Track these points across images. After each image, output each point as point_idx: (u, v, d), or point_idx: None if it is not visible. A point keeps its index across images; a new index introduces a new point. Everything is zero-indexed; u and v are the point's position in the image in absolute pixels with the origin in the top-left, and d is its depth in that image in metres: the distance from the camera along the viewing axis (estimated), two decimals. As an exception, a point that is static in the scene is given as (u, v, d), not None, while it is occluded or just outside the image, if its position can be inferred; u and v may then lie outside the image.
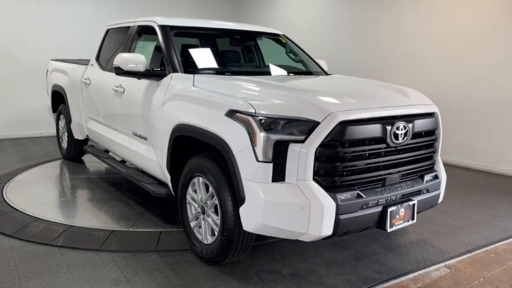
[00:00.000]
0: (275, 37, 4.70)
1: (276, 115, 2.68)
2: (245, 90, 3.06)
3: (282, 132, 2.65)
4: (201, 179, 3.18)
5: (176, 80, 3.54)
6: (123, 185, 5.10)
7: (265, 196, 2.64)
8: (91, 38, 8.55)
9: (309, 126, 2.64)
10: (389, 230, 2.88)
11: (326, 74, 4.44)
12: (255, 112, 2.70)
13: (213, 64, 4.07)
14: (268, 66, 4.30)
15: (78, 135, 5.78)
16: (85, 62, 5.75)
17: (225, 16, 10.53)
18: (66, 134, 6.16)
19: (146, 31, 4.38)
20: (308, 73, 4.34)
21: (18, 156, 6.72)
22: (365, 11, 7.61)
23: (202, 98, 3.14)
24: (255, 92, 3.02)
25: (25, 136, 8.41)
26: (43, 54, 8.17)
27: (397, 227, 2.94)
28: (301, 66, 4.54)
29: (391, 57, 7.28)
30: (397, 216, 2.92)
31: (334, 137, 2.64)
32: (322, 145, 2.62)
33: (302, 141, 2.62)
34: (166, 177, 3.64)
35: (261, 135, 2.63)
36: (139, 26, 4.42)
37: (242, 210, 2.77)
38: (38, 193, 4.71)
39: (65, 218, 3.98)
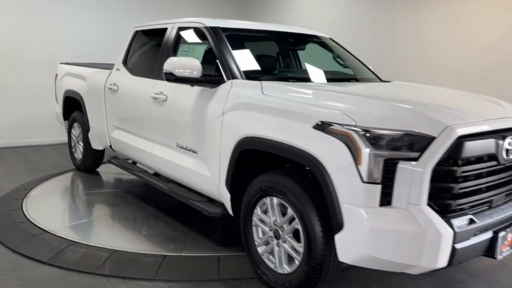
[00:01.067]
0: (320, 41, 4.36)
1: (383, 128, 2.33)
2: (333, 99, 2.71)
3: (391, 148, 2.31)
4: (275, 199, 2.81)
5: (239, 88, 3.17)
6: (152, 199, 4.68)
7: (371, 223, 2.29)
8: (95, 41, 8.21)
9: (423, 142, 2.30)
10: (498, 257, 2.56)
11: (382, 80, 4.13)
12: (356, 125, 2.35)
13: (272, 69, 3.70)
14: (324, 71, 3.96)
15: (97, 145, 5.33)
16: (104, 66, 5.33)
17: (230, 18, 10.18)
18: (81, 143, 5.69)
19: (189, 34, 3.99)
20: (366, 79, 4.01)
21: (24, 167, 6.22)
22: (388, 15, 7.35)
23: (279, 108, 2.77)
24: (346, 102, 2.67)
25: (25, 144, 7.88)
26: (44, 57, 7.70)
27: (505, 254, 2.62)
28: (352, 71, 4.21)
29: (412, 63, 7.01)
30: (505, 242, 2.61)
31: (451, 154, 2.31)
32: (437, 163, 2.28)
33: (415, 159, 2.29)
34: (223, 195, 3.25)
35: (367, 152, 2.28)
36: (180, 28, 4.03)
37: (338, 238, 2.41)
38: (63, 211, 4.26)
39: (105, 240, 3.55)
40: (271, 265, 2.90)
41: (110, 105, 4.80)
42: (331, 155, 2.41)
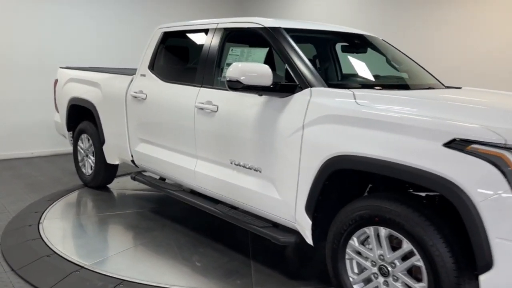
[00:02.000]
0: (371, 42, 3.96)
1: (544, 148, 1.95)
2: (457, 111, 2.31)
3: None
4: (383, 230, 2.38)
5: (323, 97, 2.72)
6: (189, 221, 4.18)
7: (534, 261, 1.90)
8: (91, 43, 7.57)
9: None
10: None
11: (447, 86, 3.76)
12: (507, 144, 1.96)
13: (350, 75, 3.26)
14: (391, 77, 3.56)
15: (114, 159, 4.77)
16: (119, 71, 4.77)
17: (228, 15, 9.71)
18: (91, 157, 5.10)
19: (241, 35, 3.53)
20: (434, 86, 3.62)
21: (22, 183, 5.57)
22: (398, 16, 7.05)
23: (388, 121, 2.34)
24: (475, 113, 2.27)
25: (15, 156, 7.16)
26: (32, 60, 7.04)
27: None
28: (408, 76, 3.81)
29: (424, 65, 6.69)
30: None
31: None
32: None
33: None
34: (300, 222, 2.80)
35: (528, 177, 1.89)
36: (227, 30, 3.55)
37: (486, 279, 2.01)
38: (92, 241, 3.69)
39: (155, 276, 3.02)
40: (374, 307, 2.47)
41: (134, 116, 4.25)
42: (476, 180, 2.00)
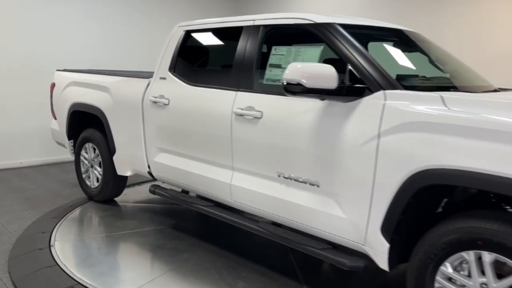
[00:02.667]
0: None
1: None
2: None
3: None
4: (487, 255, 2.05)
5: (402, 101, 2.37)
6: (220, 239, 3.77)
7: None
8: (83, 44, 7.05)
9: None
10: None
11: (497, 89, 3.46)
12: None
13: (407, 75, 2.91)
14: (443, 78, 3.24)
15: (125, 171, 4.32)
16: (130, 74, 4.33)
17: (221, 14, 9.29)
18: (98, 168, 4.64)
19: (286, 33, 3.16)
20: (488, 87, 3.32)
21: (18, 198, 5.06)
22: (409, 14, 6.81)
23: (496, 129, 2.01)
24: None
25: (3, 167, 6.61)
26: (19, 62, 6.50)
27: None
28: (460, 76, 3.48)
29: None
30: None
31: None
32: None
33: None
34: (373, 244, 2.46)
35: None
36: (267, 27, 3.17)
37: None
38: (117, 268, 3.24)
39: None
40: None
41: (153, 123, 3.82)
42: None
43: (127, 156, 4.21)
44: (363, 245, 2.54)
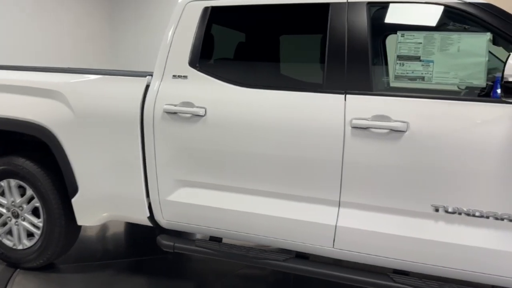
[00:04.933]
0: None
1: None
2: None
3: None
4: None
5: None
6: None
7: None
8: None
9: None
10: None
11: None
12: None
13: None
14: None
15: (95, 218, 2.85)
16: (95, 71, 2.89)
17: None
18: (33, 218, 2.98)
19: (399, 13, 2.34)
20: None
21: None
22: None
23: None
24: None
25: None
26: None
27: None
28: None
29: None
30: None
31: None
32: None
33: None
34: None
35: None
36: (373, 4, 2.31)
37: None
38: None
39: None
40: None
41: (170, 144, 2.54)
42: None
43: (103, 196, 2.75)
44: None
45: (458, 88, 2.24)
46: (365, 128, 2.16)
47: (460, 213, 2.08)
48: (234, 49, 2.83)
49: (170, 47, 2.62)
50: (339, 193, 2.26)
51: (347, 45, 2.28)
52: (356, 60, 2.26)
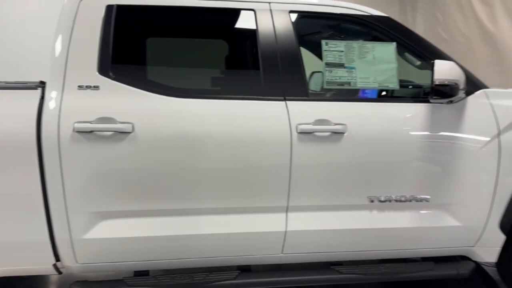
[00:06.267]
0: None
1: None
2: None
3: None
4: None
5: (502, 99, 2.48)
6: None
7: None
8: None
9: None
10: None
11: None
12: None
13: None
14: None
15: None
16: None
17: None
18: None
19: (317, 24, 2.50)
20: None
21: None
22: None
23: None
24: None
25: None
26: None
27: None
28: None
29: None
30: None
31: None
32: None
33: None
34: (488, 242, 2.50)
35: None
36: (298, 13, 2.42)
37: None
38: None
39: None
40: None
41: (87, 169, 2.08)
42: None
43: None
44: (472, 246, 2.51)
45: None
46: (309, 133, 2.23)
47: (391, 200, 2.37)
48: (152, 54, 2.49)
49: (68, 52, 2.14)
50: (287, 198, 2.27)
51: (275, 55, 2.31)
52: (290, 68, 2.31)
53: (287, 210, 2.30)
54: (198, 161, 2.16)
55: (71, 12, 2.18)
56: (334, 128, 2.24)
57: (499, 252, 2.50)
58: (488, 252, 2.50)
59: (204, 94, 2.25)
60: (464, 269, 2.49)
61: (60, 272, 2.22)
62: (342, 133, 2.26)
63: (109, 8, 2.22)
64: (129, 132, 2.09)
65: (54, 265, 2.17)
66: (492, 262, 2.55)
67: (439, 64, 2.15)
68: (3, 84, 2.21)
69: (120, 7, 2.24)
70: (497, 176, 2.39)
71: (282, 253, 2.33)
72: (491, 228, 2.44)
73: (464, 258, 2.58)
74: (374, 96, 2.82)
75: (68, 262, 2.17)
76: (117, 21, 2.22)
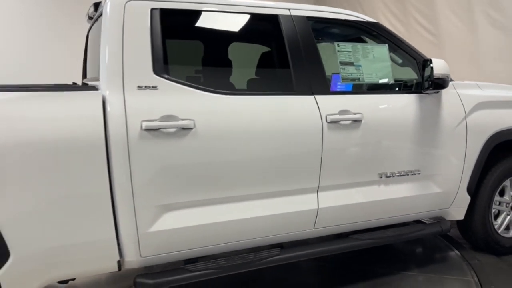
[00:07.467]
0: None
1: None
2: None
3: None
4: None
5: (464, 89, 3.13)
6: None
7: None
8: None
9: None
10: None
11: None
12: None
13: None
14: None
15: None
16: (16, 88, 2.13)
17: None
18: None
19: (327, 28, 2.86)
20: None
21: None
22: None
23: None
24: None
25: None
26: None
27: None
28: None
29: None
30: None
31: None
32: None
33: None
34: (459, 203, 3.15)
35: None
36: (311, 19, 2.76)
37: None
38: None
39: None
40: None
41: (152, 165, 2.20)
42: None
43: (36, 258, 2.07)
44: (447, 208, 3.13)
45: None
46: (335, 122, 2.60)
47: (394, 175, 2.85)
48: (201, 56, 2.60)
49: (122, 55, 2.21)
50: (318, 179, 2.62)
51: (301, 55, 2.64)
52: (315, 66, 2.65)
53: (318, 190, 2.64)
54: (251, 151, 2.39)
55: (118, 18, 2.24)
56: (354, 117, 2.65)
57: (465, 211, 3.15)
58: (458, 212, 3.14)
59: (249, 91, 2.49)
60: (445, 226, 3.08)
61: (120, 269, 2.28)
62: (360, 121, 2.67)
63: (153, 12, 2.32)
64: (191, 128, 2.24)
65: (118, 262, 2.23)
66: (461, 220, 3.20)
67: (435, 62, 2.68)
68: (56, 86, 2.18)
69: (163, 11, 2.35)
70: (466, 149, 3.02)
71: (313, 228, 2.68)
72: (461, 192, 3.07)
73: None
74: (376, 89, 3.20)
75: (132, 257, 2.25)
76: (163, 24, 2.34)
